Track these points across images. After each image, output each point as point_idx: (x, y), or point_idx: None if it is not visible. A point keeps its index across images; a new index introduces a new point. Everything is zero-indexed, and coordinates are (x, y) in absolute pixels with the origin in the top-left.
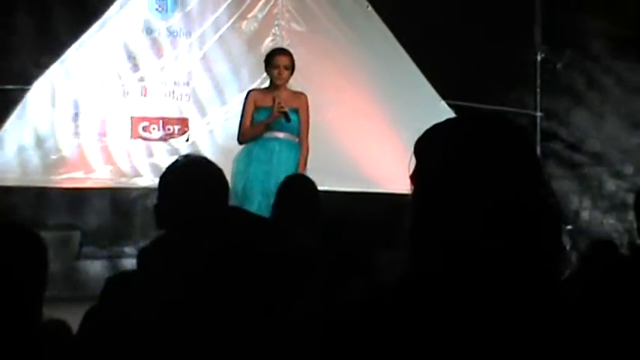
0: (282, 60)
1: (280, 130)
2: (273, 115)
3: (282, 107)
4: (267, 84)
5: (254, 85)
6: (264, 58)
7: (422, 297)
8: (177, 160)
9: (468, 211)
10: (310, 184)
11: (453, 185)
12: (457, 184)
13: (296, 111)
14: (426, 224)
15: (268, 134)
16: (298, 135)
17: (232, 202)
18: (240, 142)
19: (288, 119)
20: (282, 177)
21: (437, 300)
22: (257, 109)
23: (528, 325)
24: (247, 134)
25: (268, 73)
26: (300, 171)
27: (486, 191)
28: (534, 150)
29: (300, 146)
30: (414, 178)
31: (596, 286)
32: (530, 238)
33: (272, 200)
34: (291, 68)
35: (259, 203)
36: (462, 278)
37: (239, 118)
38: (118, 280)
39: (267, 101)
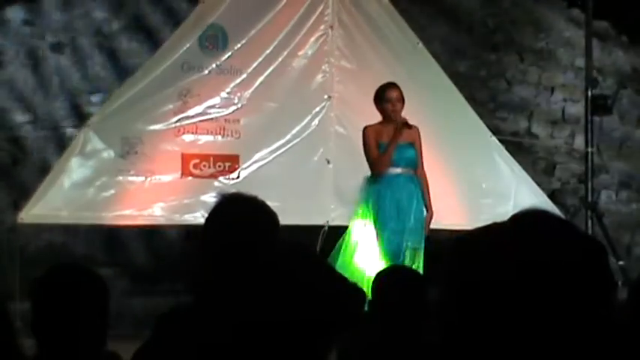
0: (394, 93)
1: (403, 165)
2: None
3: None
4: (316, 121)
5: (304, 122)
6: (313, 94)
7: None
8: (223, 199)
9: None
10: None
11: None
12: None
13: (412, 144)
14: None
15: (390, 170)
16: (415, 168)
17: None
18: (376, 172)
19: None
20: (409, 212)
21: None
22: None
23: None
24: (382, 160)
25: (381, 109)
26: (428, 203)
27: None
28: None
29: (421, 178)
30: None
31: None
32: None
33: (405, 235)
34: (403, 101)
35: (390, 240)
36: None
37: (289, 154)
38: (169, 317)
39: (382, 136)
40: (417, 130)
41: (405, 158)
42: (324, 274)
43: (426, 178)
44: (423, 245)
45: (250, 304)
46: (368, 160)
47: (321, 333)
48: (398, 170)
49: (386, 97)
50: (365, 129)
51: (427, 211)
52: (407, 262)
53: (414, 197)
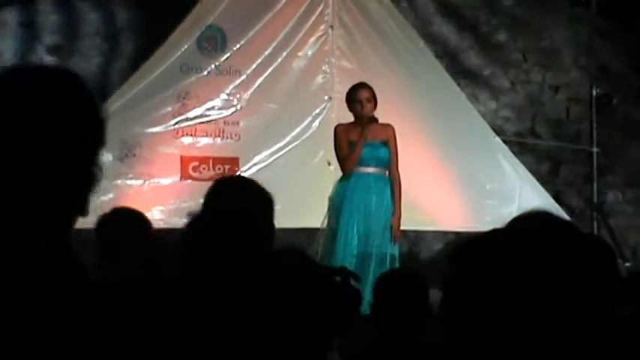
0: (363, 93)
1: (374, 165)
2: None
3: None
4: (316, 123)
5: (305, 123)
6: (313, 95)
7: None
8: (218, 181)
9: None
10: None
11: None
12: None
13: (385, 143)
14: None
15: (361, 169)
16: (389, 167)
17: (332, 238)
18: (345, 171)
19: None
20: (379, 213)
21: None
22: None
23: None
24: (350, 159)
25: (351, 110)
26: (396, 204)
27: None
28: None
29: (392, 178)
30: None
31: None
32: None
33: (371, 238)
34: (374, 101)
35: (360, 241)
36: None
37: (289, 156)
38: None
39: (353, 135)
40: (392, 128)
41: (377, 157)
42: (317, 275)
43: (399, 178)
44: (393, 248)
45: (245, 299)
46: (337, 159)
47: (318, 332)
48: (369, 169)
49: (356, 98)
50: (335, 128)
51: (394, 213)
52: (373, 267)
53: (385, 198)
